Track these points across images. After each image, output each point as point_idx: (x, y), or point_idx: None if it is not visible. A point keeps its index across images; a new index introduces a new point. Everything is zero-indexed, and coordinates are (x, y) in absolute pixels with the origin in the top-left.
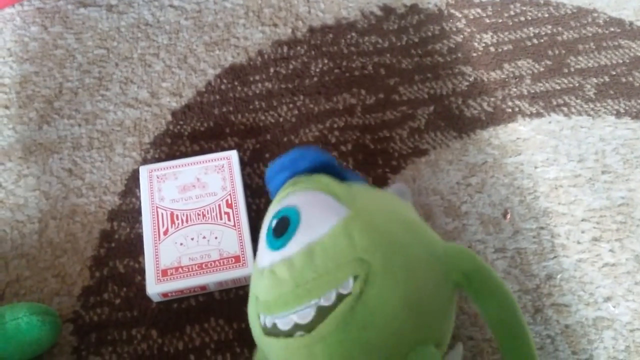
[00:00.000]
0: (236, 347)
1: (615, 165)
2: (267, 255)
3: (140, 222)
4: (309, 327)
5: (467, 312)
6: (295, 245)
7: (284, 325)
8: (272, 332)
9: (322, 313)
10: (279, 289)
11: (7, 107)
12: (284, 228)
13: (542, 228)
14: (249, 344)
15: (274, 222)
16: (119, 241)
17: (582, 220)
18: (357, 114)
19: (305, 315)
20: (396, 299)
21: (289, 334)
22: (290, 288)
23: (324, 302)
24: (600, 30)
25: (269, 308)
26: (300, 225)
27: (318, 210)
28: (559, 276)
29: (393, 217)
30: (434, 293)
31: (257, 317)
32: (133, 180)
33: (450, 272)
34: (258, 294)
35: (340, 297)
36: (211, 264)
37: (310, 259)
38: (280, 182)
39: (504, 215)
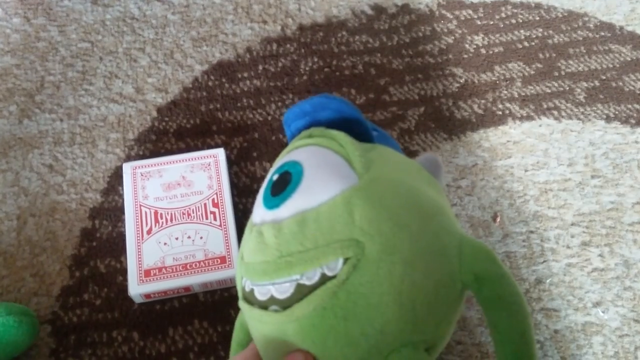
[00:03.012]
0: (220, 350)
1: (605, 170)
2: (260, 212)
3: (122, 220)
4: (284, 304)
5: None
6: (289, 209)
7: (261, 295)
8: (249, 298)
9: (302, 291)
10: (261, 255)
11: None
12: (283, 186)
13: (531, 232)
14: None
15: (275, 177)
16: (101, 240)
17: (572, 225)
18: None
19: (283, 290)
20: (387, 293)
21: (263, 305)
22: (273, 257)
23: (305, 281)
24: (590, 35)
25: (248, 272)
26: (299, 186)
27: (324, 172)
28: (548, 280)
29: (408, 197)
30: (434, 293)
31: (241, 277)
32: (116, 178)
33: (459, 271)
34: (244, 252)
35: (324, 279)
36: (196, 265)
37: (300, 228)
38: (298, 129)
39: (494, 219)
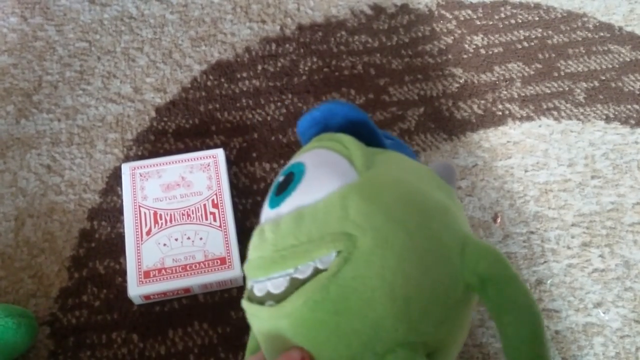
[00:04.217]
0: (220, 352)
1: (605, 170)
2: (265, 212)
3: (121, 221)
4: (279, 298)
5: None
6: (288, 206)
7: (258, 291)
8: (249, 296)
9: (295, 286)
10: (260, 251)
11: None
12: (286, 185)
13: (532, 232)
14: (234, 349)
15: (281, 179)
16: (99, 241)
17: (572, 225)
18: None
19: (278, 284)
20: (379, 287)
21: (260, 301)
22: (269, 252)
23: (299, 275)
24: (590, 35)
25: (247, 269)
26: (300, 184)
27: (324, 170)
28: (549, 281)
29: (408, 195)
30: (431, 291)
31: (247, 278)
32: (114, 178)
33: (462, 272)
34: (248, 252)
35: (317, 273)
36: (195, 266)
37: (297, 223)
38: (310, 136)
39: (494, 219)
